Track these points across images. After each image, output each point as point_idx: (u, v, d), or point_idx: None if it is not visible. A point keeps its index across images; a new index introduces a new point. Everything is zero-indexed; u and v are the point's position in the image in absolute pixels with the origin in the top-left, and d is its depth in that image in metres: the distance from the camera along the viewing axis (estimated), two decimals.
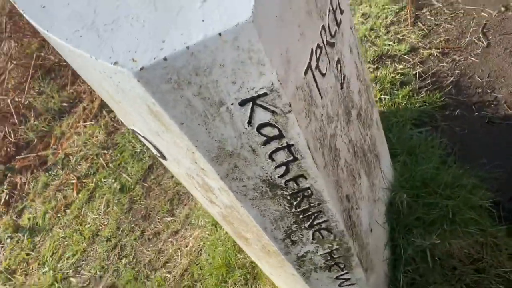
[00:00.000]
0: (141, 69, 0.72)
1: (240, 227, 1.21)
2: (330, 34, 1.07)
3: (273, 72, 0.77)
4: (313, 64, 0.94)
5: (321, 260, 1.26)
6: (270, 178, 0.95)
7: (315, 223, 1.08)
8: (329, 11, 1.06)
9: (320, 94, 0.97)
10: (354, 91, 1.26)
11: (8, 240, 3.17)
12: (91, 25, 0.79)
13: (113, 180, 3.01)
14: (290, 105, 0.83)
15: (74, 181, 3.17)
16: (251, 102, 0.81)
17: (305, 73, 0.90)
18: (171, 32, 0.73)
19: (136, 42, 0.74)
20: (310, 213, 1.05)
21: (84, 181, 3.15)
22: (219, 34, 0.71)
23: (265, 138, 0.87)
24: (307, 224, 1.08)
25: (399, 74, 2.47)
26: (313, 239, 1.13)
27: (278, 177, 0.95)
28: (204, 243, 2.30)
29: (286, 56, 0.81)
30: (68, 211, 3.05)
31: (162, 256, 2.45)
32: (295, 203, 1.02)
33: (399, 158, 1.92)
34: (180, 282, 2.26)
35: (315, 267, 1.29)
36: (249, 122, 0.84)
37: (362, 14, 2.97)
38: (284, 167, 0.93)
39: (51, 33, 0.80)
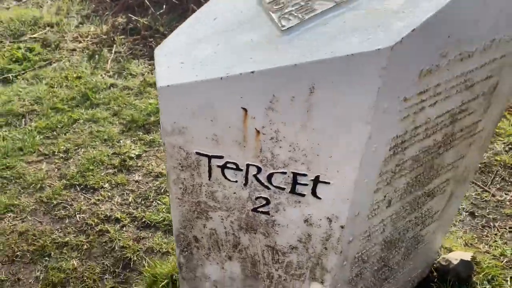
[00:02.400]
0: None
1: None
2: (268, 187, 1.25)
3: (162, 115, 1.22)
4: (217, 162, 1.25)
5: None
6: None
7: None
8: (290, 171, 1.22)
9: (209, 176, 1.30)
10: (281, 236, 1.37)
11: None
12: None
13: None
14: (165, 139, 1.27)
15: None
16: None
17: (199, 154, 1.25)
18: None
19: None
20: None
21: None
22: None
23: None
24: None
25: None
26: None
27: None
28: None
29: (178, 125, 1.21)
30: None
31: None
32: None
33: None
34: None
35: None
36: None
37: None
38: None
39: None
